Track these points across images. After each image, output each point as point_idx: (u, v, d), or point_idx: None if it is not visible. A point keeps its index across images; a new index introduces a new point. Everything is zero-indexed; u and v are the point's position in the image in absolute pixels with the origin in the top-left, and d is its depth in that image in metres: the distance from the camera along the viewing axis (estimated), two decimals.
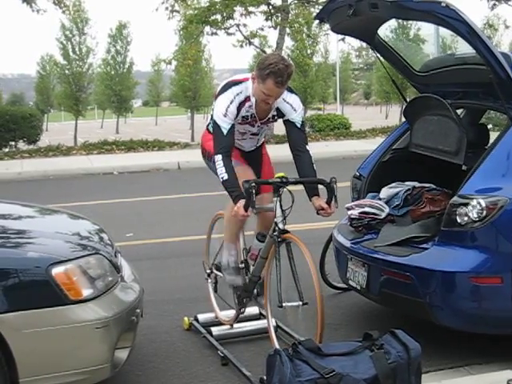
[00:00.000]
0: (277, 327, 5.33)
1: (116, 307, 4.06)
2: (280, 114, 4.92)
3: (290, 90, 4.92)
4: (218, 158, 4.69)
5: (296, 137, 4.93)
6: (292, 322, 4.67)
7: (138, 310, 4.38)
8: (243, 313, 5.32)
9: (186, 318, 5.66)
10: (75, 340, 3.87)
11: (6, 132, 20.43)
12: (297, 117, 4.90)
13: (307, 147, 4.92)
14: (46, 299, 3.81)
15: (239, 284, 5.22)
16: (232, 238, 5.24)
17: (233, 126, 4.77)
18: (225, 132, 4.72)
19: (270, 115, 4.95)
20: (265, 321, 5.48)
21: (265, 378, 3.95)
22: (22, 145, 21.24)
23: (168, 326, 5.72)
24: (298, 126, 4.91)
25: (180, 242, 8.79)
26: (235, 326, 5.45)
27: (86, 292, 3.93)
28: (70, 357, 3.88)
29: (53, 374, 3.84)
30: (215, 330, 5.35)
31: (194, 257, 7.91)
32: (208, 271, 5.70)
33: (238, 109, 4.78)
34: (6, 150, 20.13)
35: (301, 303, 4.38)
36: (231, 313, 5.41)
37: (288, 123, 4.93)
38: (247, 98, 4.79)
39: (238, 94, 4.77)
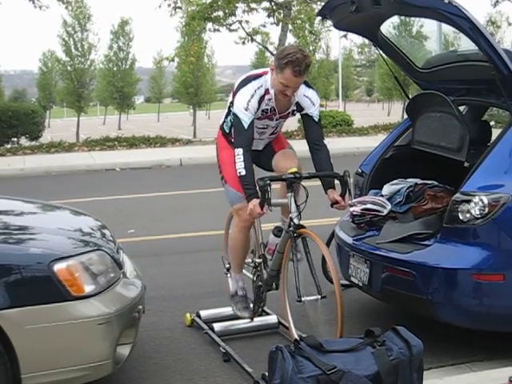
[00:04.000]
0: (278, 323, 5.34)
1: (118, 303, 4.06)
2: (299, 108, 4.96)
3: (308, 85, 4.95)
4: (239, 151, 4.72)
5: (314, 131, 4.97)
6: (311, 315, 4.70)
7: (140, 307, 4.39)
8: (263, 307, 5.34)
9: (187, 315, 5.66)
10: (77, 336, 3.87)
11: (8, 128, 20.46)
12: (315, 111, 4.95)
13: (324, 142, 4.98)
14: (48, 295, 3.82)
15: (246, 317, 5.32)
16: (238, 268, 5.35)
17: (253, 121, 4.80)
18: (246, 126, 4.75)
19: (289, 109, 4.98)
20: (267, 317, 5.50)
21: (267, 374, 3.95)
22: (24, 141, 21.26)
23: (170, 323, 5.72)
24: (316, 120, 4.96)
25: (182, 238, 8.79)
26: (237, 322, 5.45)
27: (88, 288, 3.93)
28: (71, 353, 3.89)
29: (55, 370, 3.84)
30: (217, 326, 5.35)
31: (196, 253, 7.94)
32: (227, 266, 5.71)
33: (259, 102, 4.82)
34: (9, 146, 20.14)
35: (319, 297, 4.44)
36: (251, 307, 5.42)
37: (306, 117, 4.96)
38: (267, 91, 4.83)
39: (258, 88, 4.80)
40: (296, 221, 4.67)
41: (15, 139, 20.94)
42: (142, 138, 20.79)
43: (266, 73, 4.87)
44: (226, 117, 5.11)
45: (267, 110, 4.91)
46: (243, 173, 4.69)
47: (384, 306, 5.71)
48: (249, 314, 5.31)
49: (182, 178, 14.73)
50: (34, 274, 3.86)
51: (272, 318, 5.44)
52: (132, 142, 20.01)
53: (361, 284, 5.28)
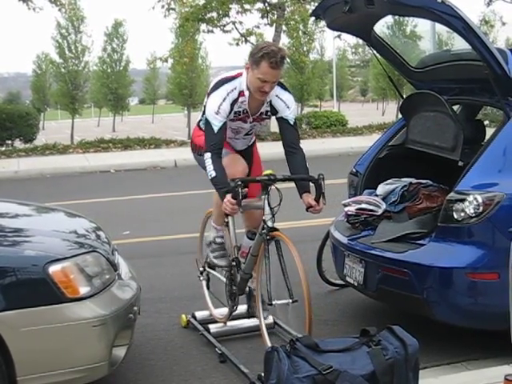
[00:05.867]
0: (274, 324, 5.34)
1: (113, 305, 4.06)
2: (273, 110, 4.91)
3: (284, 88, 4.92)
4: (208, 155, 4.68)
5: (289, 134, 4.92)
6: (283, 319, 4.67)
7: (136, 308, 4.38)
8: (235, 310, 5.31)
9: (183, 316, 5.66)
10: (72, 338, 3.86)
11: (2, 131, 20.41)
12: (290, 114, 4.90)
13: (300, 145, 4.93)
14: (44, 297, 3.81)
15: (223, 264, 5.24)
16: (219, 220, 5.25)
17: (224, 124, 4.75)
18: (216, 129, 4.71)
19: (262, 109, 4.93)
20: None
21: (263, 374, 3.95)
22: (18, 143, 21.21)
23: (165, 324, 5.72)
24: (291, 123, 4.91)
25: (177, 239, 8.78)
26: (233, 323, 5.45)
27: (83, 290, 3.93)
28: (67, 355, 3.89)
29: (50, 372, 3.84)
30: (213, 327, 5.35)
31: (190, 254, 7.89)
32: (201, 269, 5.70)
33: (232, 105, 4.77)
34: (3, 148, 20.11)
35: (290, 301, 4.38)
36: (225, 310, 5.41)
37: (281, 120, 4.92)
38: (241, 93, 4.78)
39: (231, 91, 4.75)
40: (269, 223, 4.61)
41: (9, 142, 20.89)
42: (137, 139, 20.77)
43: (240, 74, 4.81)
44: (202, 115, 5.04)
45: (240, 112, 4.86)
46: (213, 174, 4.64)
47: (379, 305, 5.72)
48: (226, 263, 5.23)
49: (176, 179, 14.72)
50: (29, 276, 3.86)
51: (267, 319, 5.43)
52: (126, 144, 20.00)
53: (356, 284, 5.28)
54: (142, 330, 5.35)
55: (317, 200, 4.69)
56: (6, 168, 16.35)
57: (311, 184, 4.73)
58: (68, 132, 31.30)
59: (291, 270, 4.42)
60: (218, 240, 5.29)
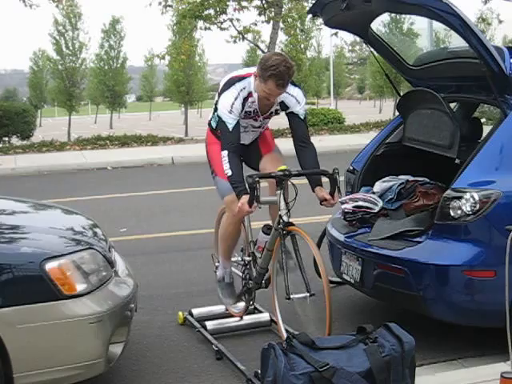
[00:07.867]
0: (270, 321, 5.35)
1: (110, 302, 4.06)
2: (284, 106, 4.96)
3: (293, 83, 4.95)
4: (225, 153, 4.75)
5: (300, 129, 4.98)
6: (300, 313, 4.70)
7: (132, 305, 4.38)
8: (252, 305, 5.35)
9: (180, 313, 5.66)
10: (69, 335, 3.87)
11: None
12: (301, 109, 4.95)
13: (310, 139, 4.97)
14: (40, 294, 3.81)
15: (231, 303, 5.36)
16: (227, 254, 5.35)
17: (238, 122, 4.82)
18: (230, 128, 4.77)
19: (272, 109, 4.99)
20: (259, 315, 5.51)
21: (259, 371, 3.96)
22: (15, 140, 21.17)
23: (162, 321, 5.72)
24: (302, 118, 4.97)
25: (174, 236, 8.78)
26: (230, 320, 5.45)
27: (80, 287, 3.93)
28: (63, 352, 3.89)
29: (47, 369, 3.84)
30: (210, 324, 5.36)
31: (188, 251, 7.94)
32: (217, 264, 5.71)
33: (243, 104, 4.83)
34: (0, 145, 20.06)
35: (308, 294, 4.44)
36: (241, 305, 5.42)
37: (292, 116, 4.96)
38: (250, 93, 4.84)
39: (242, 90, 4.81)
40: (285, 218, 4.67)
41: (6, 138, 20.83)
42: (134, 136, 20.74)
43: (249, 74, 4.86)
44: (213, 113, 5.10)
45: (250, 112, 4.92)
46: (230, 173, 4.72)
47: (376, 302, 5.72)
48: (233, 301, 5.33)
49: (173, 177, 14.71)
50: (26, 274, 3.86)
51: (264, 316, 5.45)
52: (124, 141, 19.97)
53: (353, 281, 5.29)
54: (139, 327, 5.35)
55: (331, 194, 4.75)
56: (2, 165, 16.30)
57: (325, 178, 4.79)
58: (65, 129, 31.29)
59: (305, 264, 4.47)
60: (227, 280, 5.38)
